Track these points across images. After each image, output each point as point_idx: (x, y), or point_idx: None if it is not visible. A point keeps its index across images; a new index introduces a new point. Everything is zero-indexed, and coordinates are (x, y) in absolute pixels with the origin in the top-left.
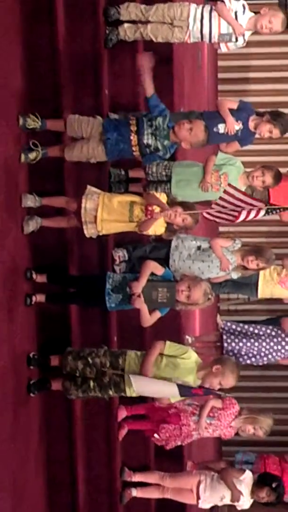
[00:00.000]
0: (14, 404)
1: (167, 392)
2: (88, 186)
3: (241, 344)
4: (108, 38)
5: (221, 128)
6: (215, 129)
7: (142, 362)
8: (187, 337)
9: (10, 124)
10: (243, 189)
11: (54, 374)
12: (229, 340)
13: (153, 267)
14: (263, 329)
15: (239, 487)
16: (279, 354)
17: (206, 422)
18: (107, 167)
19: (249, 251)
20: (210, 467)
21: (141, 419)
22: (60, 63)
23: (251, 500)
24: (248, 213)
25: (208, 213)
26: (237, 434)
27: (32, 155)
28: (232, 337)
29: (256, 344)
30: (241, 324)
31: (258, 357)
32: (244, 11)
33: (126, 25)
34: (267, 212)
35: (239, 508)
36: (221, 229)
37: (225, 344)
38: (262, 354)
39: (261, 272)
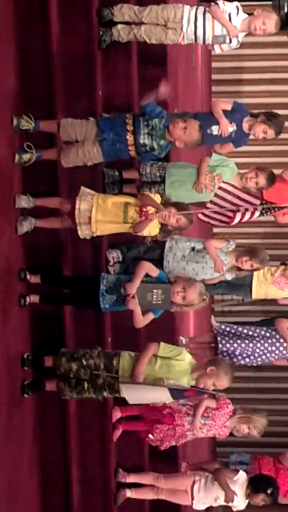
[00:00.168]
0: (8, 405)
1: (160, 398)
2: (82, 187)
3: (235, 345)
4: (102, 39)
5: (214, 130)
6: (208, 131)
7: (135, 364)
8: (181, 338)
9: (4, 126)
10: None
11: (48, 375)
12: (223, 342)
13: (148, 268)
14: (257, 330)
15: (233, 488)
16: (273, 355)
17: (201, 422)
18: (101, 168)
19: (243, 252)
20: (204, 468)
21: (135, 420)
22: (53, 64)
23: (246, 501)
24: (243, 214)
25: (203, 214)
26: (231, 435)
27: (26, 157)
28: (227, 338)
29: (251, 345)
30: (235, 326)
31: (252, 357)
32: (237, 13)
33: (119, 26)
34: (261, 213)
35: (234, 510)
36: (215, 230)
37: (220, 345)
38: (257, 354)
39: (255, 273)
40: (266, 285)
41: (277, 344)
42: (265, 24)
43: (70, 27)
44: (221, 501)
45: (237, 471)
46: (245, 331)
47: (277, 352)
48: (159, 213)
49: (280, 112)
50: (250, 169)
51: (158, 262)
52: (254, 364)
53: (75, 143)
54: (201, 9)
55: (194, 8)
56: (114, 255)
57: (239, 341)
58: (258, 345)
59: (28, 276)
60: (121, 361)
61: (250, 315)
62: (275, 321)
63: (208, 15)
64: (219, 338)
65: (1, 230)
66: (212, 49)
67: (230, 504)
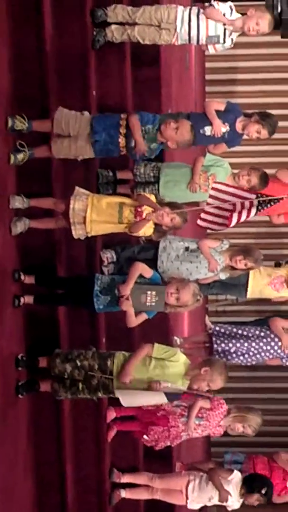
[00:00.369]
0: (2, 406)
1: (155, 401)
2: (76, 187)
3: (230, 344)
4: (96, 40)
5: (207, 130)
6: (201, 131)
7: (126, 363)
8: (175, 338)
9: None
10: None
11: (42, 375)
12: (218, 341)
13: (141, 269)
14: (252, 330)
15: (227, 488)
16: (267, 354)
17: (195, 423)
18: (95, 168)
19: (237, 251)
20: (199, 468)
21: (130, 420)
22: (47, 64)
23: (241, 501)
24: (240, 214)
25: (202, 220)
26: (226, 434)
27: (20, 156)
28: (222, 338)
29: (246, 344)
30: (229, 328)
31: (247, 355)
32: (231, 13)
33: (113, 26)
34: (258, 209)
35: (229, 509)
36: (209, 230)
37: (215, 345)
38: (251, 353)
39: (251, 274)
40: (262, 285)
41: (272, 344)
42: (259, 25)
43: (64, 28)
44: (215, 501)
45: (232, 470)
46: (240, 331)
47: (271, 351)
48: (156, 213)
49: (274, 112)
50: (244, 168)
51: (152, 262)
52: (249, 364)
53: (67, 137)
54: (194, 9)
55: (188, 8)
56: (108, 256)
57: (234, 341)
58: (253, 344)
59: (22, 277)
60: (115, 361)
61: (244, 315)
62: (269, 320)
63: (202, 16)
64: (214, 338)
65: None
66: (206, 49)
67: (224, 503)
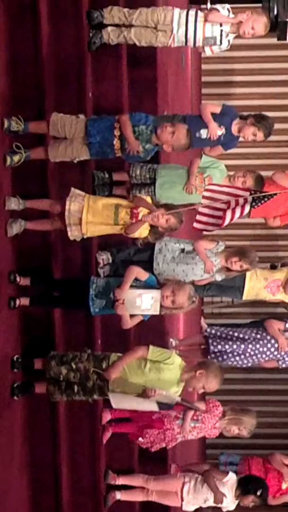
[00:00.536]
0: None
1: (147, 408)
2: (72, 189)
3: (227, 346)
4: (92, 41)
5: (203, 133)
6: (197, 135)
7: (118, 360)
8: (171, 340)
9: None
10: None
11: (38, 377)
12: (215, 343)
13: (136, 273)
14: (248, 332)
15: (222, 489)
16: (264, 355)
17: (190, 425)
18: (91, 170)
19: (232, 252)
20: (193, 470)
21: (125, 422)
22: (43, 66)
23: (236, 502)
24: (233, 212)
25: (197, 222)
26: (222, 436)
27: (16, 158)
28: (218, 340)
29: (242, 346)
30: (225, 330)
31: (243, 356)
32: (228, 15)
33: (109, 28)
34: (251, 206)
35: (224, 510)
36: (205, 232)
37: (212, 347)
38: (247, 354)
39: (248, 276)
40: (258, 287)
41: (268, 345)
42: (254, 29)
43: (60, 29)
44: (211, 503)
45: (227, 472)
46: (236, 334)
47: (268, 353)
48: (152, 214)
49: (270, 114)
50: (239, 171)
51: (148, 264)
52: (244, 365)
53: (63, 139)
54: (192, 11)
55: (185, 10)
56: (104, 257)
57: (230, 343)
58: (250, 346)
59: (18, 279)
60: (110, 363)
61: (239, 317)
62: (264, 322)
63: (199, 18)
64: (210, 340)
65: None
66: (202, 51)
67: (219, 505)
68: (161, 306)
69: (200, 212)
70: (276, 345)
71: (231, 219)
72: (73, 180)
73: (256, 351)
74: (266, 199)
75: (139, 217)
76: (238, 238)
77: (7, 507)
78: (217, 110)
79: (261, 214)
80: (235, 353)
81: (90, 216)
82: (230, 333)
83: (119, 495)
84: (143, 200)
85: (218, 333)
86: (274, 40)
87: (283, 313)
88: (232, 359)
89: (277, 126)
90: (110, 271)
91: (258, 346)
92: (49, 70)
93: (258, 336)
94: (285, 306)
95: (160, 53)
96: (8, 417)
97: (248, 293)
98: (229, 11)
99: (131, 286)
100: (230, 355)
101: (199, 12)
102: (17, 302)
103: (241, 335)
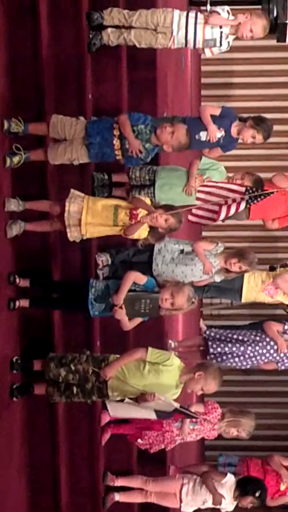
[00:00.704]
0: None
1: (144, 416)
2: (72, 190)
3: (226, 348)
4: (92, 43)
5: (203, 136)
6: (197, 137)
7: (115, 359)
8: (170, 341)
9: None
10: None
11: (37, 378)
12: (214, 345)
13: (134, 278)
14: (247, 334)
15: (220, 491)
16: (263, 358)
17: (189, 428)
18: (91, 171)
19: (232, 254)
20: (192, 471)
21: (124, 423)
22: (43, 67)
23: (235, 503)
24: (229, 207)
25: (192, 215)
26: (220, 438)
27: (15, 159)
28: (218, 342)
29: (242, 348)
30: (224, 333)
31: (242, 358)
32: (228, 17)
33: (109, 29)
34: (247, 203)
35: (223, 511)
36: (204, 234)
37: (211, 349)
38: (247, 356)
39: (246, 279)
40: (256, 291)
41: (268, 347)
42: (252, 31)
43: (60, 30)
44: (209, 504)
45: (225, 474)
46: (235, 336)
47: (267, 355)
48: (150, 215)
49: (270, 116)
50: (238, 173)
51: (147, 265)
52: (243, 367)
53: (63, 141)
54: (191, 13)
55: (185, 12)
56: (103, 259)
57: (229, 345)
58: (249, 348)
59: (17, 280)
60: None
61: (238, 319)
62: (263, 324)
63: (199, 20)
64: (209, 343)
65: None
66: (202, 52)
67: (218, 507)
68: (160, 307)
69: (197, 207)
70: (275, 347)
71: (226, 214)
72: (73, 181)
73: (256, 353)
74: (262, 197)
75: (138, 218)
76: (237, 240)
77: (6, 508)
78: (217, 112)
79: (260, 216)
80: (234, 355)
81: (89, 217)
82: (229, 335)
83: (117, 497)
84: (141, 201)
85: (217, 335)
86: (273, 42)
87: (282, 314)
88: (231, 361)
89: (276, 128)
90: (110, 272)
91: (257, 348)
92: (49, 71)
93: (258, 338)
94: (284, 308)
95: (160, 54)
96: (7, 418)
97: (246, 297)
98: (229, 13)
99: (130, 290)
100: (229, 356)
101: (199, 14)
102: (17, 303)
103: (240, 337)
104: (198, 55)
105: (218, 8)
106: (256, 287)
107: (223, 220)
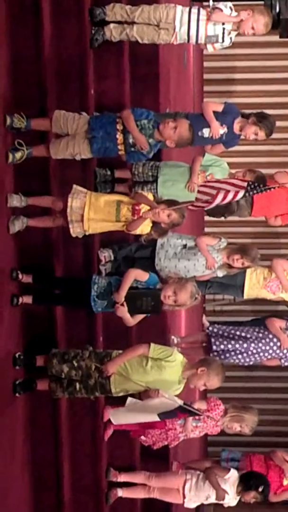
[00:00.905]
0: None
1: (148, 420)
2: (74, 185)
3: (229, 346)
4: (94, 38)
5: (206, 132)
6: (200, 134)
7: (117, 355)
8: (172, 337)
9: None
10: None
11: (40, 374)
12: (217, 343)
13: (135, 276)
14: (250, 330)
15: (224, 486)
16: (266, 354)
17: (192, 425)
18: (93, 167)
19: (234, 249)
20: (195, 467)
21: None
22: (45, 64)
23: (238, 498)
24: (226, 194)
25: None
26: (223, 433)
27: (18, 155)
28: (221, 339)
29: (245, 345)
30: (227, 329)
31: (245, 355)
32: (231, 14)
33: (112, 25)
34: (246, 193)
35: (226, 506)
36: (206, 229)
37: (214, 347)
38: (250, 353)
39: (248, 275)
40: (258, 288)
41: (271, 344)
42: (254, 29)
43: (62, 26)
44: (212, 500)
45: (229, 469)
46: (238, 332)
47: (270, 351)
48: (152, 211)
49: (272, 112)
50: (240, 170)
51: (150, 260)
52: (246, 364)
53: (65, 136)
54: (194, 9)
55: (187, 8)
56: (106, 254)
57: (233, 342)
58: (253, 345)
59: (20, 276)
60: None
61: (241, 315)
62: (266, 321)
63: (202, 16)
64: (213, 340)
65: None
66: (205, 48)
67: (221, 502)
68: (162, 304)
69: (198, 199)
70: (278, 344)
71: (223, 199)
72: (75, 177)
73: (259, 350)
74: (262, 191)
75: (141, 214)
76: (239, 236)
77: (8, 505)
78: (219, 108)
79: (262, 214)
80: (238, 352)
81: (91, 213)
82: (232, 331)
83: (120, 492)
84: (143, 197)
85: (220, 332)
86: (276, 38)
87: (284, 311)
88: (235, 357)
89: (279, 124)
90: (112, 268)
91: (260, 344)
92: (51, 68)
93: (260, 334)
94: (287, 303)
95: (162, 50)
96: (10, 414)
97: (248, 293)
98: (231, 9)
99: (133, 288)
100: (232, 353)
101: (201, 10)
102: (20, 299)
103: (243, 334)
104: (200, 51)
105: (221, 4)
106: (258, 284)
107: (225, 217)
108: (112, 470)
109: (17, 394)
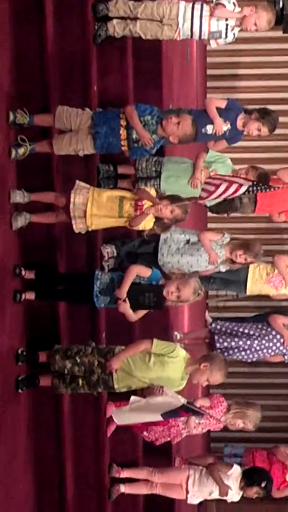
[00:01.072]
0: (2, 401)
1: (151, 420)
2: (77, 181)
3: (233, 343)
4: (97, 34)
5: (209, 129)
6: (203, 130)
7: (121, 351)
8: (175, 333)
9: (0, 121)
10: None
11: (42, 370)
12: (220, 340)
13: (137, 272)
14: (254, 327)
15: (227, 482)
16: (269, 351)
17: (195, 422)
18: (96, 162)
19: (237, 245)
20: (198, 463)
21: None
22: (48, 59)
23: (241, 493)
24: (228, 187)
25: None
26: (226, 429)
27: (21, 151)
28: (224, 336)
29: (248, 342)
30: (230, 326)
31: (248, 352)
32: (234, 9)
33: (115, 21)
34: (249, 189)
35: (229, 501)
36: (209, 225)
37: (218, 344)
38: (253, 350)
39: (251, 271)
40: (261, 283)
41: (274, 340)
42: (256, 25)
43: (65, 22)
44: (215, 495)
45: (232, 465)
46: (241, 329)
47: (274, 348)
48: (155, 206)
49: (276, 107)
50: (243, 167)
51: (153, 256)
52: (249, 360)
53: (68, 131)
54: (197, 5)
55: (190, 4)
56: (109, 250)
57: (236, 339)
58: (256, 341)
59: (23, 272)
60: None
61: (244, 311)
62: (268, 318)
63: (205, 12)
64: (216, 337)
65: None
66: (208, 43)
67: (224, 498)
68: (164, 300)
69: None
70: (281, 340)
71: (224, 191)
72: (78, 173)
73: (262, 346)
74: (267, 189)
75: (143, 210)
76: (243, 232)
77: (12, 501)
78: (223, 104)
79: (266, 211)
80: (241, 349)
81: (94, 208)
82: (235, 328)
83: (123, 488)
84: (146, 193)
85: (224, 329)
86: (279, 33)
87: (287, 307)
88: (238, 354)
89: (282, 119)
90: (115, 264)
91: (264, 341)
92: (54, 64)
93: (264, 331)
94: None
95: (165, 46)
96: (12, 411)
97: (251, 289)
98: (234, 4)
99: (136, 283)
100: (236, 350)
101: (204, 6)
102: (23, 296)
103: (246, 331)
104: (204, 46)
105: (224, 0)
106: (260, 279)
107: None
108: (114, 466)
109: (20, 390)
